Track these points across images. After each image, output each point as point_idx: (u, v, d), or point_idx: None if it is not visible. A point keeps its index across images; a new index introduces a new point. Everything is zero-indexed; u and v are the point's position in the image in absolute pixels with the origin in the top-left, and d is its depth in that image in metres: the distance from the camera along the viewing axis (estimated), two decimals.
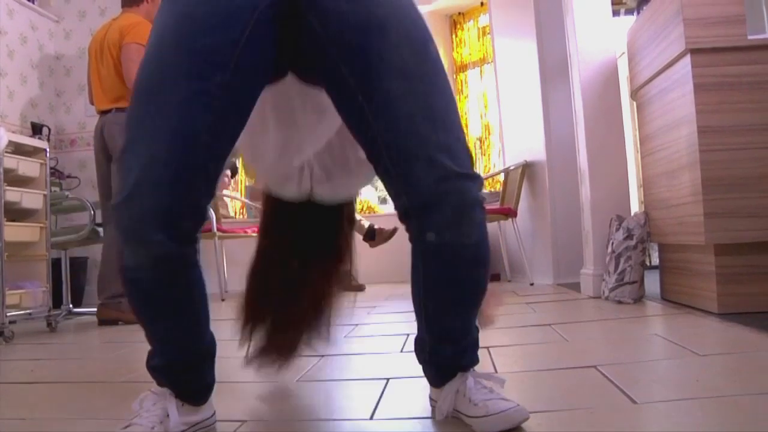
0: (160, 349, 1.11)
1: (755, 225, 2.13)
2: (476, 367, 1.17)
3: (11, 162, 2.76)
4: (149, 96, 0.99)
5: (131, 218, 0.97)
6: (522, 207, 4.38)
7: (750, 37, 2.18)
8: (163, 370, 1.11)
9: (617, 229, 2.79)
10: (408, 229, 1.06)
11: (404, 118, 1.00)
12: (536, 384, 1.40)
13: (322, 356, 1.90)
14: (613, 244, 2.79)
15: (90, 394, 1.54)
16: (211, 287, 1.20)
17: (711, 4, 2.19)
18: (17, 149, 2.84)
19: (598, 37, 3.09)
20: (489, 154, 5.56)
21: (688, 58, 2.21)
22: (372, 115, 1.01)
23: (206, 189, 1.01)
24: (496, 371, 1.51)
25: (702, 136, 2.17)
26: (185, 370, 1.12)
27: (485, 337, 2.06)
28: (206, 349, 1.15)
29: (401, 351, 1.90)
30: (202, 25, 0.99)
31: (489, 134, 5.56)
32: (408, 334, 2.10)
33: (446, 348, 1.14)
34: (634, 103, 3.00)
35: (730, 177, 2.15)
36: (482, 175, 5.35)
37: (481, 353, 1.28)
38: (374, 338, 2.28)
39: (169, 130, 0.96)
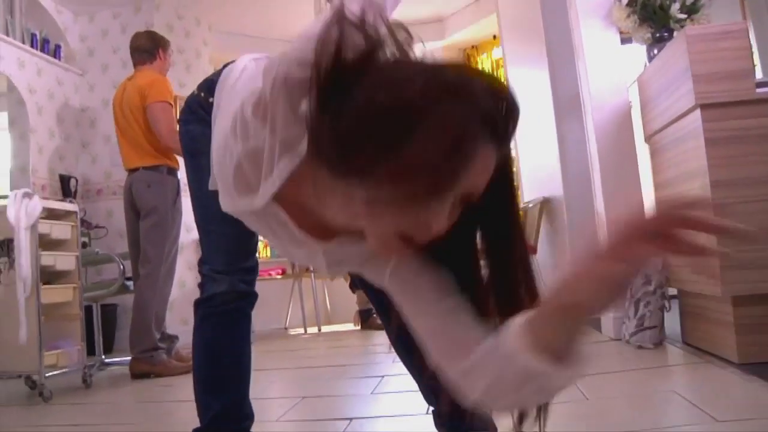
0: (215, 398, 1.34)
1: None
2: None
3: (45, 227, 2.87)
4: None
5: (220, 265, 1.35)
6: (541, 242, 4.41)
7: (758, 91, 2.22)
8: (217, 419, 1.33)
9: None
10: None
11: None
12: None
13: (351, 419, 1.96)
14: (632, 288, 2.82)
15: None
16: None
17: (719, 59, 2.24)
18: (49, 213, 2.95)
19: (609, 68, 3.12)
20: None
21: (698, 113, 2.25)
22: None
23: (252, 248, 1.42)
24: None
25: (715, 189, 2.20)
26: (236, 419, 1.36)
27: None
28: (249, 408, 1.40)
29: (427, 412, 1.95)
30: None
31: None
32: None
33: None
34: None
35: None
36: None
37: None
38: (401, 395, 2.32)
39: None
